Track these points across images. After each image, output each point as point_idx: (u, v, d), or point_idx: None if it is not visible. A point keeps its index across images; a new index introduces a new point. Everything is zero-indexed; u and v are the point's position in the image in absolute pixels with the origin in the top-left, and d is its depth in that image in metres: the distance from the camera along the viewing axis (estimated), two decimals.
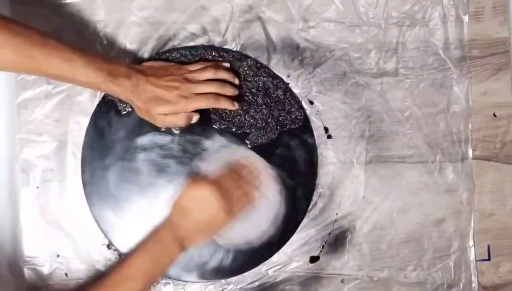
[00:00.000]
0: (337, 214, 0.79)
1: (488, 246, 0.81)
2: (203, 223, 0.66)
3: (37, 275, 0.75)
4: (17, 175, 0.75)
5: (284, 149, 0.76)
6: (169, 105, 0.67)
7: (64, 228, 0.75)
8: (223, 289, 0.77)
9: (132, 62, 0.76)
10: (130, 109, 0.74)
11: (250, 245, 0.74)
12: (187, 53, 0.76)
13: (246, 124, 0.76)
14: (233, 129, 0.76)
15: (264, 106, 0.77)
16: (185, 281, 0.76)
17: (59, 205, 0.76)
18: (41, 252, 0.75)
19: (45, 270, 0.75)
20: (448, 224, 0.81)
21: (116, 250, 0.76)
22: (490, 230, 0.81)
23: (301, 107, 0.78)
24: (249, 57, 0.77)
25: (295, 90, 0.78)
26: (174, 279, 0.76)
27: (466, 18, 0.81)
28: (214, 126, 0.76)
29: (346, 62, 0.79)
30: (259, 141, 0.76)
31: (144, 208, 0.75)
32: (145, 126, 0.74)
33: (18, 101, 0.75)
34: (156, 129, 0.74)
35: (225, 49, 0.77)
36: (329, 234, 0.79)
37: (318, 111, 0.79)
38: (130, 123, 0.75)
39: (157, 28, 0.77)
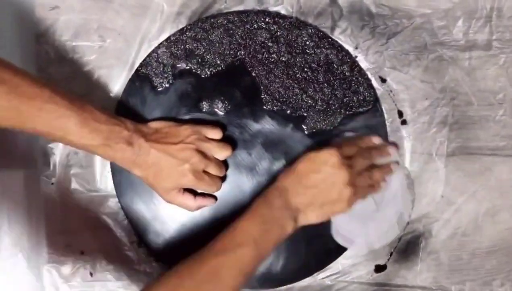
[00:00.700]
0: (410, 215, 0.73)
1: None
2: (322, 195, 0.61)
3: (58, 274, 0.71)
4: (36, 158, 0.71)
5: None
6: (174, 181, 0.63)
7: (88, 222, 0.72)
8: None
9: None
10: (167, 85, 0.69)
11: (369, 246, 0.68)
12: (235, 19, 0.70)
13: (303, 106, 0.70)
14: (288, 112, 0.70)
15: (325, 84, 0.70)
16: None
17: (84, 195, 0.72)
18: (63, 248, 0.72)
19: (67, 269, 0.71)
20: None
21: (147, 248, 0.71)
22: None
23: (370, 86, 0.71)
24: (310, 25, 0.71)
25: (364, 66, 0.72)
26: None
27: None
28: (264, 107, 0.70)
29: (427, 32, 0.73)
30: (319, 126, 0.70)
31: None
32: (184, 105, 0.69)
33: None
34: (197, 109, 0.69)
35: (281, 15, 0.71)
36: (400, 239, 0.73)
37: (391, 91, 0.73)
38: (167, 101, 0.70)
39: None
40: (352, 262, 0.72)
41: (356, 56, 0.72)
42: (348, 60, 0.70)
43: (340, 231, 0.65)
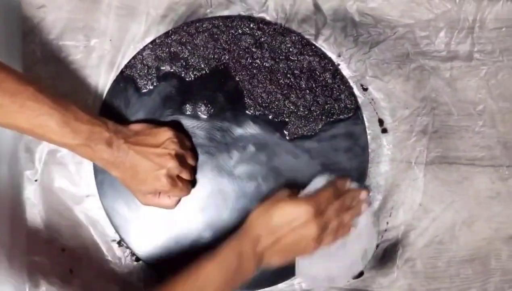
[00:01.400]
0: (387, 223, 0.73)
1: None
2: (289, 245, 0.61)
3: (38, 269, 0.71)
4: (20, 155, 0.71)
5: (328, 143, 0.70)
6: (150, 185, 0.63)
7: (70, 220, 0.72)
8: None
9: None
10: (151, 87, 0.69)
11: (332, 282, 0.68)
12: (220, 24, 0.70)
13: (285, 112, 0.70)
14: (270, 117, 0.70)
15: (308, 91, 0.70)
16: None
17: (66, 192, 0.72)
18: (43, 245, 0.71)
19: (47, 266, 0.71)
20: None
21: (128, 247, 0.71)
22: None
23: (352, 94, 0.71)
24: (294, 32, 0.71)
25: (346, 74, 0.73)
26: None
27: None
28: (247, 112, 0.70)
29: (410, 41, 0.73)
30: (300, 132, 0.70)
31: None
32: (168, 107, 0.70)
33: None
34: (181, 112, 0.70)
35: (266, 21, 0.72)
36: (377, 246, 0.73)
37: (372, 99, 0.74)
38: (151, 103, 0.70)
39: None
40: None
41: (338, 64, 0.72)
42: (331, 67, 0.70)
43: (304, 270, 0.64)
